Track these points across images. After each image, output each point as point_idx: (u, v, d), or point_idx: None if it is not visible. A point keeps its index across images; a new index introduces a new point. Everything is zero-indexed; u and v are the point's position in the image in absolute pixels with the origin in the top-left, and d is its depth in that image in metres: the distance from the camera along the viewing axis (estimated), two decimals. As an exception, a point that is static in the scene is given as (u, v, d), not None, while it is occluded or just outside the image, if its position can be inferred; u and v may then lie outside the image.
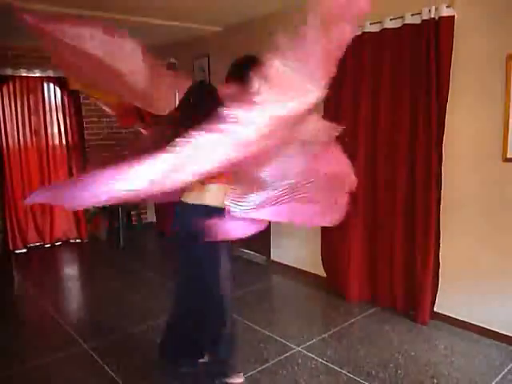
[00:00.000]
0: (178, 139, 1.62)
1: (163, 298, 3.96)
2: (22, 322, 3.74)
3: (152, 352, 3.02)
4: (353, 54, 3.52)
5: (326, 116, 3.72)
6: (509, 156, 2.88)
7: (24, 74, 5.40)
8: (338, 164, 2.38)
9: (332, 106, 3.68)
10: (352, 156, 3.64)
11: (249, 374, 2.73)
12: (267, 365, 2.84)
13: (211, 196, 2.31)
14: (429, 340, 3.13)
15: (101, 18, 4.23)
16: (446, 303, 3.32)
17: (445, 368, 2.77)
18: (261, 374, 2.73)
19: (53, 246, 5.79)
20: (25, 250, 5.57)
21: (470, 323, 3.20)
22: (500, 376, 2.66)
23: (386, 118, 3.40)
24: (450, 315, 3.30)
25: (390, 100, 3.36)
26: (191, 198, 2.33)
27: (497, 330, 3.06)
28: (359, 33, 3.47)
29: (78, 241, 5.95)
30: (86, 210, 5.94)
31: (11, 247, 5.47)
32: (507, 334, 3.01)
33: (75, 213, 5.89)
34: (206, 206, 2.30)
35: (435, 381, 2.63)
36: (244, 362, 2.85)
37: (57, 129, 5.77)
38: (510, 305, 2.98)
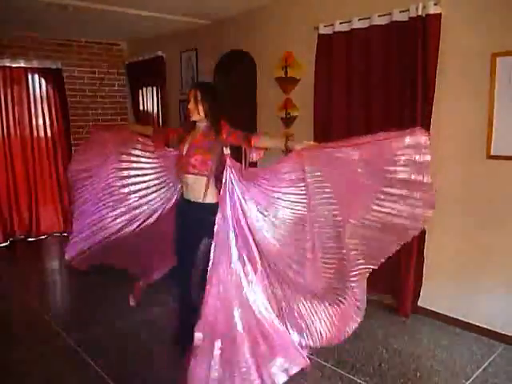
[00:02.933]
0: None
1: (149, 292, 3.95)
2: (5, 316, 3.69)
3: (136, 346, 3.02)
4: (342, 50, 3.55)
5: (316, 112, 3.77)
6: (492, 153, 2.92)
7: (7, 64, 5.31)
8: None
9: (322, 102, 3.71)
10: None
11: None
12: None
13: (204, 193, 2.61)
14: (412, 334, 3.17)
15: (89, 8, 4.18)
16: (429, 298, 3.37)
17: (427, 361, 2.81)
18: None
19: (38, 239, 5.71)
20: (7, 243, 5.48)
21: (453, 317, 3.25)
22: (481, 369, 2.72)
23: (375, 113, 3.42)
24: (434, 309, 3.35)
25: (379, 96, 3.38)
26: (192, 197, 2.65)
27: (478, 324, 3.12)
28: (348, 29, 3.49)
29: (63, 234, 5.88)
30: (72, 204, 5.88)
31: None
32: (488, 327, 3.07)
33: (61, 205, 5.84)
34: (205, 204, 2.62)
35: (418, 374, 2.67)
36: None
37: (42, 120, 5.68)
38: (492, 300, 3.03)
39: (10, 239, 5.53)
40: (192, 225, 2.65)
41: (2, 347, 3.06)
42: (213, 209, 2.46)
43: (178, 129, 3.31)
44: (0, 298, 4.10)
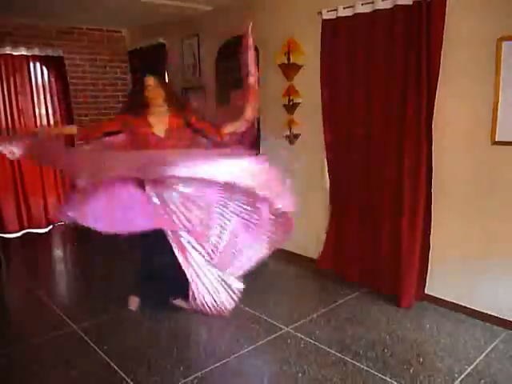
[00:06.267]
0: None
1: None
2: (11, 305, 3.73)
3: (144, 333, 3.04)
4: (346, 35, 3.51)
5: (324, 98, 3.74)
6: (497, 139, 2.90)
7: (8, 52, 5.27)
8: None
9: (329, 88, 3.70)
10: (347, 136, 3.67)
11: (238, 354, 2.76)
12: (256, 345, 2.87)
13: None
14: (416, 321, 3.18)
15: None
16: (436, 285, 3.37)
17: (431, 347, 2.82)
18: (250, 354, 2.77)
19: (44, 229, 5.69)
20: (12, 235, 5.46)
21: (459, 304, 3.25)
22: (484, 354, 2.73)
23: (377, 98, 3.39)
24: (440, 297, 3.35)
25: (382, 81, 3.34)
26: None
27: (483, 310, 3.12)
28: (351, 14, 3.44)
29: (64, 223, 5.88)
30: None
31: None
32: (492, 313, 3.07)
33: (63, 195, 5.84)
34: None
35: (421, 359, 2.68)
36: (233, 342, 2.90)
37: (44, 109, 5.65)
38: (497, 286, 3.03)
39: (15, 230, 5.49)
40: None
41: (6, 335, 3.10)
42: None
43: (117, 118, 3.40)
44: (5, 287, 4.15)
